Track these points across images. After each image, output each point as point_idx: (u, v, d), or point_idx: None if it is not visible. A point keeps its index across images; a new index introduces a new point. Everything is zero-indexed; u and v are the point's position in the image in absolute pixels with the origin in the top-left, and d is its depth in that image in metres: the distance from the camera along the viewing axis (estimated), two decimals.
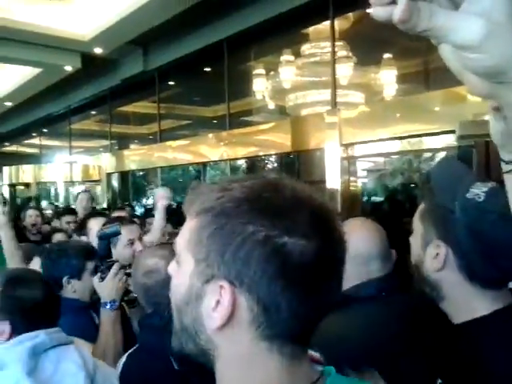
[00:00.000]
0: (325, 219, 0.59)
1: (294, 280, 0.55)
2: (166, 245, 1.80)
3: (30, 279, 1.53)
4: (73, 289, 2.03)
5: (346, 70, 6.70)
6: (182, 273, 0.62)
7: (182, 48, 7.73)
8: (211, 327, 0.58)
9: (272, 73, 7.77)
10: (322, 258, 0.56)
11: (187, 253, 0.60)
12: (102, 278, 1.93)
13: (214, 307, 0.57)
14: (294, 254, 0.54)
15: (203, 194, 0.61)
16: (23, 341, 1.38)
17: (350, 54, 6.77)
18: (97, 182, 11.01)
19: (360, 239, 1.33)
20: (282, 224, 0.55)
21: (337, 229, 0.59)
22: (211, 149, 8.02)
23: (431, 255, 0.97)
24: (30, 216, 6.02)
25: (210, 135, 8.28)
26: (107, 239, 2.09)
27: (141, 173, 11.65)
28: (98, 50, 7.83)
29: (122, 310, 2.03)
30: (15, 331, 1.41)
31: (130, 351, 1.56)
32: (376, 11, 0.41)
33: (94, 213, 3.59)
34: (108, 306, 1.91)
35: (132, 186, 11.43)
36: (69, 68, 8.51)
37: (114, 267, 1.98)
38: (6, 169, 11.93)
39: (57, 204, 8.00)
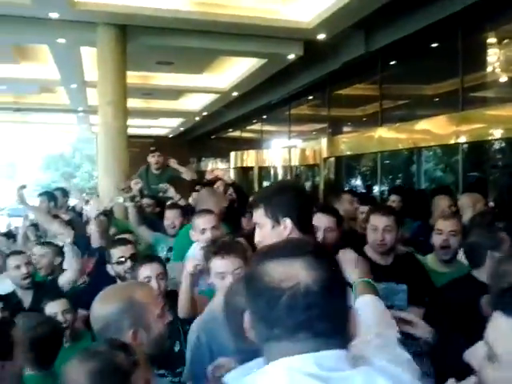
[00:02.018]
0: None
1: None
2: None
3: None
4: None
5: None
6: None
7: (407, 27, 7.29)
8: None
9: (506, 41, 6.83)
10: None
11: None
12: None
13: None
14: None
15: None
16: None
17: None
18: (313, 166, 11.27)
19: None
20: None
21: None
22: (439, 131, 7.48)
23: None
24: None
25: (439, 116, 7.73)
26: None
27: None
28: (320, 37, 7.87)
29: None
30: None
31: None
32: None
33: None
34: None
35: (346, 169, 11.41)
36: (292, 56, 8.74)
37: None
38: (232, 154, 13.05)
39: None
